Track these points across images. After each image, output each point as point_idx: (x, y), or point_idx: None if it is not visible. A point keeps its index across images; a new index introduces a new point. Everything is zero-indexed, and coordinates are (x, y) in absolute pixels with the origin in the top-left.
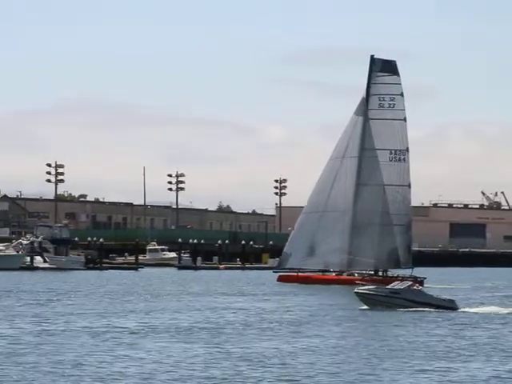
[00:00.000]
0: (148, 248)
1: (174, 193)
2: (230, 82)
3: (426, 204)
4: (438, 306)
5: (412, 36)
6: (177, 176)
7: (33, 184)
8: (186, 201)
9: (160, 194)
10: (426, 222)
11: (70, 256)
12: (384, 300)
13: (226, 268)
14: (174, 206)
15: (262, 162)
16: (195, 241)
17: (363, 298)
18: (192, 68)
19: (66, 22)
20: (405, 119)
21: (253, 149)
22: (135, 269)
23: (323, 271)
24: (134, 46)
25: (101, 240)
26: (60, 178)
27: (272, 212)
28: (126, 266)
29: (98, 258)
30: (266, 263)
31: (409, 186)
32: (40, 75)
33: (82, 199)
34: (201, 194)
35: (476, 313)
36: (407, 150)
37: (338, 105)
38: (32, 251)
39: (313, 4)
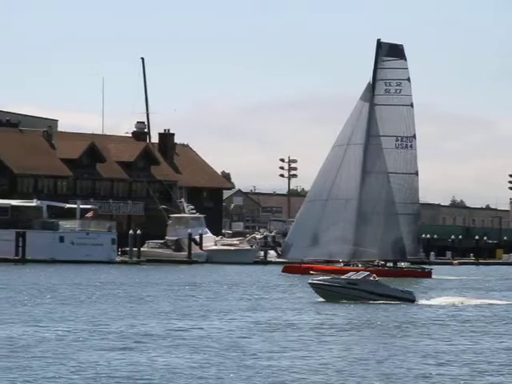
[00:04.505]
0: None
1: None
2: (464, 76)
3: None
4: (396, 298)
5: None
6: None
7: (266, 179)
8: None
9: None
10: None
11: None
12: (341, 291)
13: (460, 263)
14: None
15: (496, 156)
16: (428, 236)
17: (318, 289)
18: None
19: None
20: (412, 105)
21: (487, 143)
22: None
23: (329, 261)
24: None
25: None
26: (293, 172)
27: (506, 207)
28: None
29: None
30: (500, 258)
31: (416, 173)
32: (260, 71)
33: None
34: (434, 189)
35: (434, 305)
36: (414, 136)
37: None
38: (265, 245)
39: None
